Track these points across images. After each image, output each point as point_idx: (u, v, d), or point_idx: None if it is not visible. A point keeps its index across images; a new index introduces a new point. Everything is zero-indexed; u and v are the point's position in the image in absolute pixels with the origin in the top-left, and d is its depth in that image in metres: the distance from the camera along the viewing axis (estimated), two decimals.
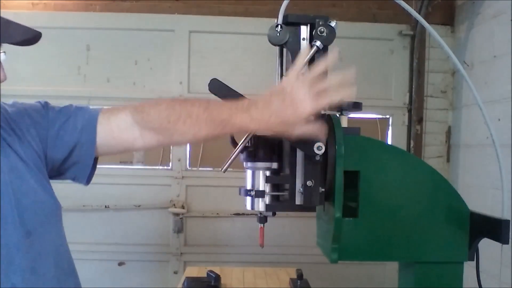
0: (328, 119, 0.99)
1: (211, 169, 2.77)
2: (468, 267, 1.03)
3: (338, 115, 1.07)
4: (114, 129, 0.97)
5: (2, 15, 0.82)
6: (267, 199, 0.98)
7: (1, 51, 0.84)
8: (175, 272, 2.73)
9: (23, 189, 0.88)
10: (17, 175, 0.88)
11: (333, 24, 0.93)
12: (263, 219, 1.03)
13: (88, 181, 1.02)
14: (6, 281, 0.82)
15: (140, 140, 0.97)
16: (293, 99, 0.79)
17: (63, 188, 1.08)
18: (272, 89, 0.84)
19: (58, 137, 0.96)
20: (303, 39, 0.96)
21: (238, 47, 2.76)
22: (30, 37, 0.85)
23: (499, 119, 2.17)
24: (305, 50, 0.87)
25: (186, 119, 0.89)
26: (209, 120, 0.87)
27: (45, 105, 1.00)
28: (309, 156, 0.93)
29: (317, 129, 0.83)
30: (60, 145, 0.96)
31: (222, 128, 0.87)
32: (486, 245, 1.04)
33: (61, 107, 1.01)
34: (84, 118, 0.98)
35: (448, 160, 2.80)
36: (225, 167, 0.96)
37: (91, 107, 1.02)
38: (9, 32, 0.82)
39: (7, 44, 0.85)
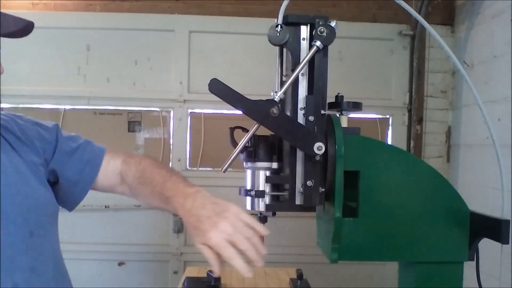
0: (328, 119, 0.99)
1: (211, 169, 2.77)
2: (468, 267, 1.03)
3: (338, 115, 1.07)
4: (108, 171, 1.05)
5: None
6: (267, 199, 0.98)
7: None
8: (175, 272, 2.73)
9: (27, 190, 0.90)
10: (21, 176, 0.90)
11: (333, 24, 0.93)
12: (263, 219, 1.03)
13: (72, 209, 1.08)
14: (8, 280, 0.82)
15: (119, 187, 1.07)
16: (217, 222, 0.81)
17: None
18: (219, 200, 0.87)
19: (64, 160, 1.01)
20: (303, 39, 0.96)
21: (238, 47, 2.76)
22: (21, 28, 0.83)
23: (499, 119, 2.17)
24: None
25: (148, 185, 0.97)
26: (160, 194, 0.94)
27: (55, 126, 1.04)
28: (309, 156, 0.93)
29: (211, 257, 0.81)
30: (62, 169, 1.01)
31: (166, 204, 0.93)
32: (486, 245, 1.04)
33: (70, 134, 1.06)
34: (91, 153, 1.05)
35: (448, 160, 2.80)
36: (225, 167, 0.96)
37: (96, 144, 1.08)
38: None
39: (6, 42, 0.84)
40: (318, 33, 0.92)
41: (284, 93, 0.94)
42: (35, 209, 0.90)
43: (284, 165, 1.00)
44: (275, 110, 0.90)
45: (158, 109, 2.81)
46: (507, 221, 0.94)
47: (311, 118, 0.94)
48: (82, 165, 1.02)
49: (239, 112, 0.91)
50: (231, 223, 0.81)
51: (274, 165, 0.99)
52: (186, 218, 0.86)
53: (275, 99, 0.92)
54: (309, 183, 0.94)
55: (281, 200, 1.00)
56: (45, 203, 0.94)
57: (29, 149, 0.94)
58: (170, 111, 2.78)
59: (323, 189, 0.95)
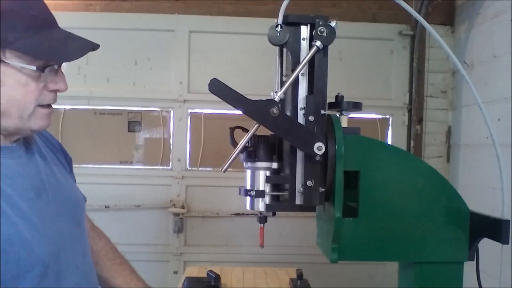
0: (328, 119, 0.99)
1: (211, 169, 2.77)
2: (468, 267, 1.03)
3: (338, 115, 1.07)
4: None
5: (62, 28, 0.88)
6: (267, 199, 0.98)
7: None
8: (175, 272, 2.73)
9: (70, 188, 1.03)
10: (63, 174, 1.01)
11: (333, 24, 0.93)
12: (263, 219, 1.03)
13: None
14: (71, 263, 0.93)
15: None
16: None
17: None
18: None
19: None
20: (303, 39, 0.96)
21: (238, 47, 2.75)
22: (88, 51, 0.91)
23: (499, 119, 2.17)
24: None
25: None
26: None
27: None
28: (309, 156, 0.93)
29: None
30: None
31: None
32: (486, 245, 1.04)
33: None
34: None
35: (448, 160, 2.80)
36: (225, 167, 0.96)
37: None
38: (67, 50, 0.88)
39: None
40: (318, 33, 0.92)
41: (284, 93, 0.94)
42: (78, 203, 1.03)
43: (284, 165, 1.00)
44: (275, 110, 0.90)
45: (158, 109, 2.81)
46: (507, 221, 0.94)
47: (311, 118, 0.94)
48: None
49: (239, 112, 0.91)
50: None
51: (274, 165, 0.99)
52: None
53: (275, 99, 0.92)
54: (309, 183, 0.94)
55: (281, 200, 1.00)
56: (81, 198, 1.07)
57: (58, 154, 1.06)
58: (170, 111, 2.78)
59: (323, 189, 0.95)
